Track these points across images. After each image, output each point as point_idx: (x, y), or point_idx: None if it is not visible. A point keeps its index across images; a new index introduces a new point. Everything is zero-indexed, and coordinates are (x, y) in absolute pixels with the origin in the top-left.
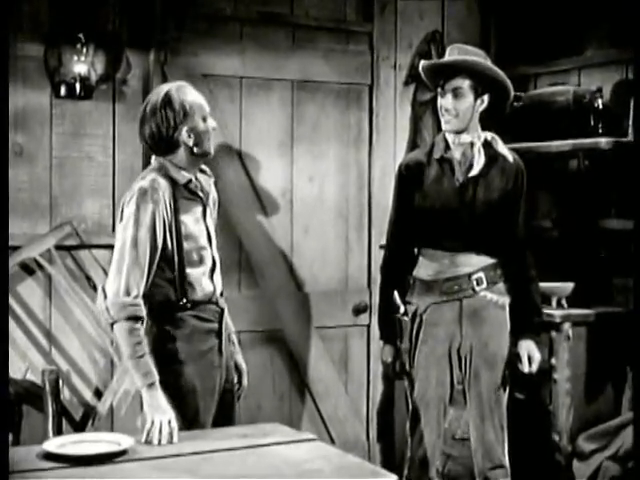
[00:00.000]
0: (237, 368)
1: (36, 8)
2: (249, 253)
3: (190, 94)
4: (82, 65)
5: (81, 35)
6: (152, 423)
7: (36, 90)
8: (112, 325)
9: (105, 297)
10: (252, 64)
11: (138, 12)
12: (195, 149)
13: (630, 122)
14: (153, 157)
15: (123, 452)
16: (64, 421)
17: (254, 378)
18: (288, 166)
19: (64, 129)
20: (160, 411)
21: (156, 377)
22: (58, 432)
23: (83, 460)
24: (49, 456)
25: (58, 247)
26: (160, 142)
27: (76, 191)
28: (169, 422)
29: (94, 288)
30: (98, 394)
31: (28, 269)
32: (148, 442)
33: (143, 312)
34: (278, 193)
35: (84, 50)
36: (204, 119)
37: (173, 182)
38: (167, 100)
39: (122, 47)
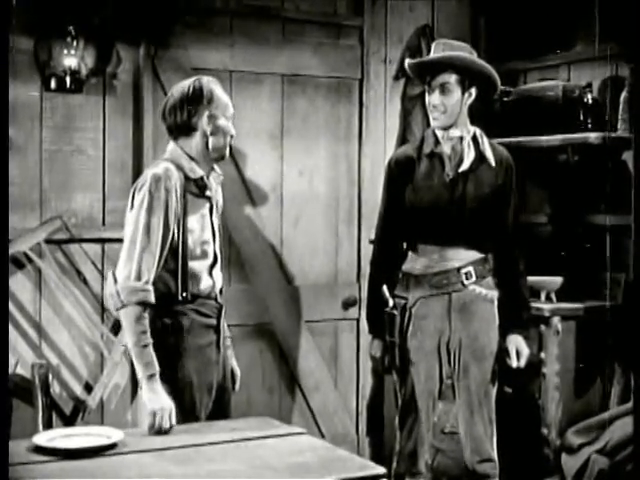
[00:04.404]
0: (231, 371)
1: (26, 1)
2: (239, 247)
3: (218, 88)
4: (72, 59)
5: (71, 28)
6: (153, 415)
7: (26, 83)
8: (120, 310)
9: (115, 282)
10: (242, 58)
11: (128, 6)
12: (211, 140)
13: (619, 117)
14: (169, 145)
15: (113, 445)
16: (54, 415)
17: (244, 372)
18: (278, 160)
19: (54, 123)
20: (159, 403)
21: (157, 368)
22: (48, 426)
23: (73, 454)
24: (39, 450)
25: (48, 241)
26: (180, 122)
27: (66, 185)
28: (169, 415)
29: (84, 282)
30: (88, 388)
31: (18, 263)
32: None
33: (152, 298)
34: (268, 187)
35: (74, 43)
36: (226, 118)
37: (185, 175)
38: (197, 85)
39: (112, 41)
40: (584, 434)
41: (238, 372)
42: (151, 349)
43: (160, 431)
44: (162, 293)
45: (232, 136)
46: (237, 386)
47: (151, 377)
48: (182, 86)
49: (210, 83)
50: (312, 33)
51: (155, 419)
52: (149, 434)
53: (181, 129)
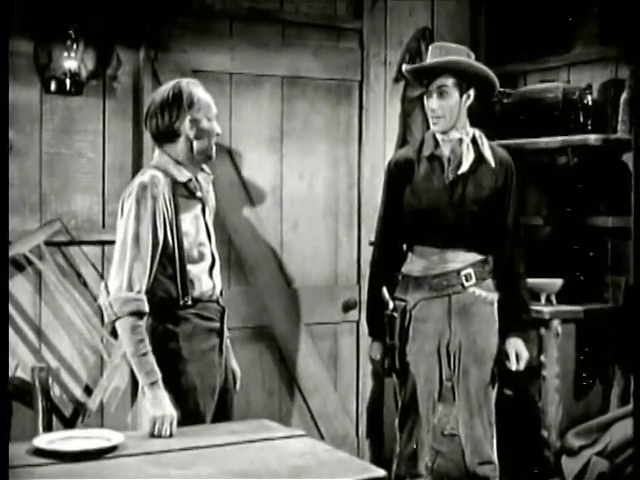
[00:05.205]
0: (232, 372)
1: (26, 4)
2: (239, 249)
3: (200, 90)
4: (72, 61)
5: (71, 31)
6: (154, 422)
7: (26, 86)
8: (115, 321)
9: (108, 293)
10: (242, 60)
11: (128, 8)
12: (195, 144)
13: (619, 119)
14: (155, 152)
15: (113, 448)
16: (54, 418)
17: (243, 375)
18: (278, 162)
19: (54, 125)
20: (161, 410)
21: (159, 375)
22: (48, 428)
23: (73, 456)
24: (39, 452)
25: (48, 243)
26: (162, 128)
27: (66, 187)
28: (170, 423)
29: (84, 284)
30: (88, 391)
31: (18, 265)
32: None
33: (146, 307)
34: (268, 189)
35: (74, 46)
36: (209, 119)
37: (173, 180)
38: (176, 90)
39: (112, 43)
40: (584, 436)
41: (238, 372)
42: (151, 356)
43: (160, 437)
44: (163, 299)
45: (218, 134)
46: (238, 386)
47: (153, 384)
48: (162, 92)
49: (190, 86)
50: (312, 36)
51: (155, 427)
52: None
53: (164, 135)
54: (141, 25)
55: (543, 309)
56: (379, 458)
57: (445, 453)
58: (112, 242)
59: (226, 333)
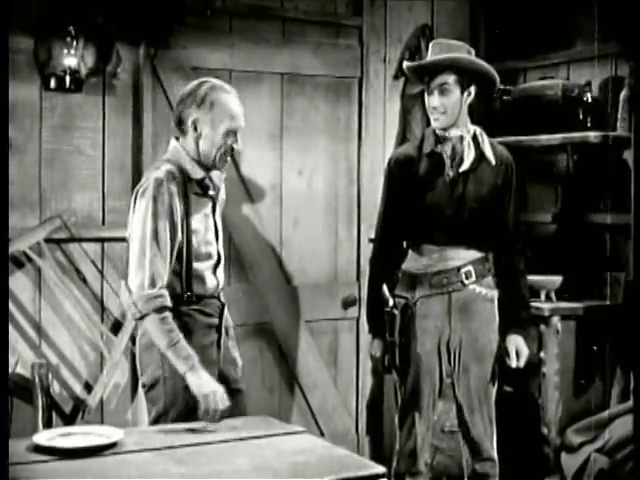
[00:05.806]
0: (233, 362)
1: (26, 1)
2: (238, 246)
3: (221, 95)
4: (72, 58)
5: (71, 28)
6: (206, 398)
7: (26, 83)
8: (140, 319)
9: (130, 292)
10: (242, 57)
11: (128, 5)
12: (200, 144)
13: (618, 116)
14: (170, 144)
15: (113, 445)
16: (54, 414)
17: (243, 371)
18: (277, 159)
19: (54, 122)
20: (208, 387)
21: (196, 358)
22: (48, 425)
23: (73, 453)
24: (39, 449)
25: (48, 240)
26: (176, 120)
27: (66, 184)
28: (221, 396)
29: (84, 281)
30: (88, 387)
31: (18, 262)
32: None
33: (169, 302)
34: (267, 186)
35: (74, 43)
36: (216, 127)
37: (186, 176)
38: (194, 86)
39: (112, 40)
40: (584, 433)
41: (240, 363)
42: (184, 341)
43: (215, 414)
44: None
45: (233, 149)
46: (239, 373)
47: (193, 367)
48: (190, 83)
49: (213, 88)
50: (312, 33)
51: (208, 401)
52: (204, 419)
53: (177, 128)
54: (141, 22)
55: (543, 306)
56: (379, 455)
57: (445, 450)
58: (112, 239)
59: (229, 322)
